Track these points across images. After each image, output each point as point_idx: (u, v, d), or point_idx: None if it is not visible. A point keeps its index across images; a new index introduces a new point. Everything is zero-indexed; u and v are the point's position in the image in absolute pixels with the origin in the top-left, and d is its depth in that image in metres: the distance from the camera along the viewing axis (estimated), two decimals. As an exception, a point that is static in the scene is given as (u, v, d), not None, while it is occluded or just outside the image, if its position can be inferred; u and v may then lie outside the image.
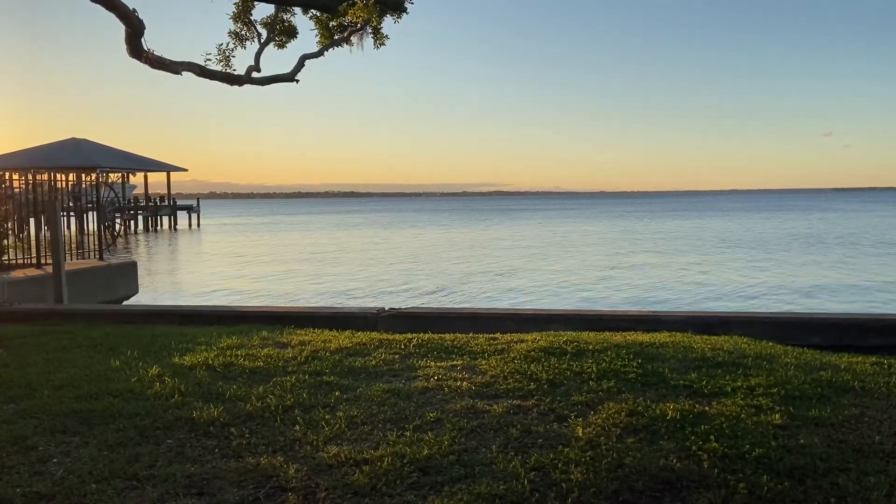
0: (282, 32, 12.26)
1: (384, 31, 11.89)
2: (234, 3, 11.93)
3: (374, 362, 5.17)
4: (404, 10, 11.46)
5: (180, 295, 18.11)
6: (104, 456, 3.45)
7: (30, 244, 11.76)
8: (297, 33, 12.44)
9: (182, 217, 51.45)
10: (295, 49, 13.14)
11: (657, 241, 36.55)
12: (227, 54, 11.57)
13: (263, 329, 6.62)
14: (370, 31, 11.87)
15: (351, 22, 11.78)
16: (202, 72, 10.69)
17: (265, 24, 12.15)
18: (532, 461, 3.28)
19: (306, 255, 30.35)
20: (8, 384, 4.74)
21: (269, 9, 12.08)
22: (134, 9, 8.95)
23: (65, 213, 14.58)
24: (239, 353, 5.51)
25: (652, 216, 71.91)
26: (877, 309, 14.72)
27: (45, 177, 12.56)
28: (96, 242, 13.21)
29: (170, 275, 23.48)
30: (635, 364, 4.88)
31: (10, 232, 12.05)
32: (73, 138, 46.16)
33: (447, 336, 6.11)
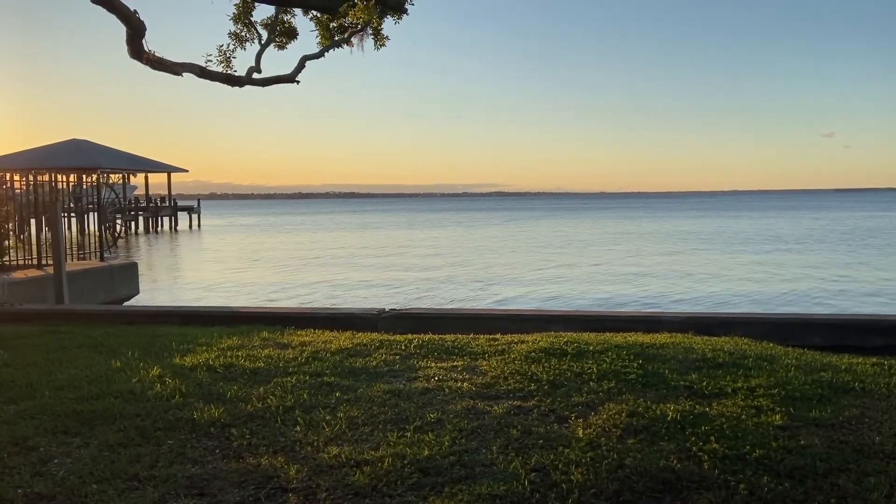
0: (282, 33, 12.26)
1: (384, 31, 11.92)
2: (235, 5, 11.94)
3: (374, 363, 5.17)
4: (404, 11, 11.47)
5: (181, 296, 18.13)
6: (105, 456, 3.45)
7: (31, 245, 11.77)
8: (298, 34, 12.45)
9: (183, 218, 51.50)
10: (295, 50, 13.17)
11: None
12: (228, 55, 11.58)
13: (264, 330, 6.62)
14: (370, 31, 11.88)
15: (351, 23, 11.79)
16: (203, 73, 10.70)
17: (265, 26, 12.15)
18: (532, 462, 3.28)
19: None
20: (9, 384, 4.74)
21: (270, 10, 12.08)
22: (135, 10, 8.96)
23: (66, 214, 14.59)
24: (240, 353, 5.51)
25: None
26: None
27: (46, 177, 12.56)
28: (97, 243, 13.22)
29: (170, 275, 23.49)
30: (636, 365, 4.88)
31: (11, 233, 12.05)
32: (74, 139, 46.18)
33: (448, 337, 6.10)
